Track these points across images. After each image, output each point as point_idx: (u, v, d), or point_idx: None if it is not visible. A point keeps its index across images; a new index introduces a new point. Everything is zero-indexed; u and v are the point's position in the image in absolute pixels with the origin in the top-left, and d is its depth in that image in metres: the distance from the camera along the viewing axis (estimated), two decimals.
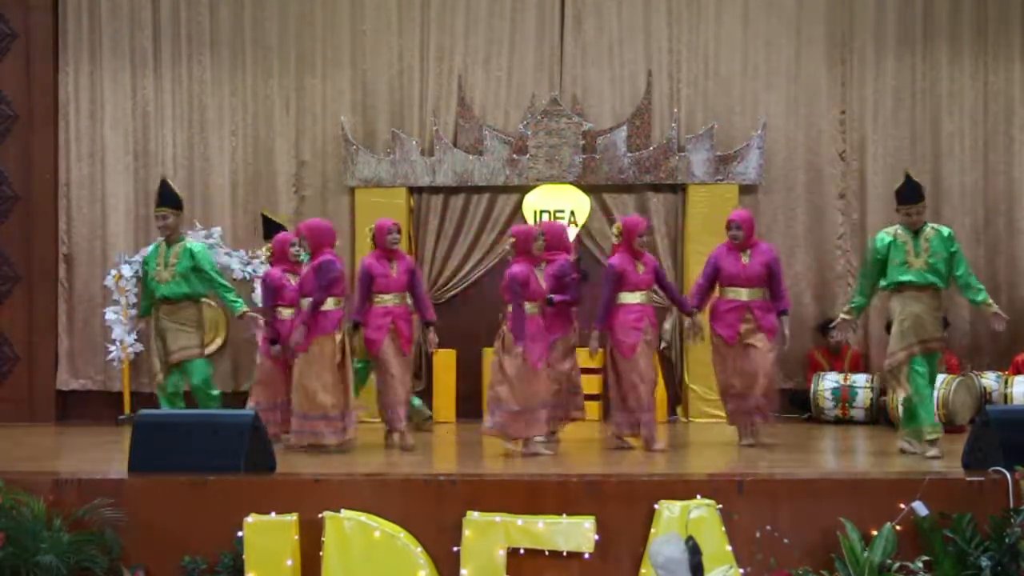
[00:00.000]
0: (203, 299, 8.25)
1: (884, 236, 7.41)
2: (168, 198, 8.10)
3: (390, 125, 10.49)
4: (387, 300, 7.73)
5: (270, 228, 9.04)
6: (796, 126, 10.51)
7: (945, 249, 7.23)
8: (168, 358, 7.87)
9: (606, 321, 7.70)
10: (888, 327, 7.48)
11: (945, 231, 7.33)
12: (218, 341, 10.15)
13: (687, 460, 7.40)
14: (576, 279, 8.16)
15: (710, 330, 7.95)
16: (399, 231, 7.84)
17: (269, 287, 8.07)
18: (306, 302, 7.46)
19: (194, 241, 8.16)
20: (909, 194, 7.36)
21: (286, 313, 7.96)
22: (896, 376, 7.31)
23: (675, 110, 10.44)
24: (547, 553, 5.75)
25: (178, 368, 7.94)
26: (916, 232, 7.29)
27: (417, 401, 8.94)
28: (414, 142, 10.39)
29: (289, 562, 5.74)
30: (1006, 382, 9.02)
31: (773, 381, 7.90)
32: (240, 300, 8.20)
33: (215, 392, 8.07)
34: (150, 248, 8.17)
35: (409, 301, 7.87)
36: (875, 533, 5.67)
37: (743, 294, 7.82)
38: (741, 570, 5.65)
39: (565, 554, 5.75)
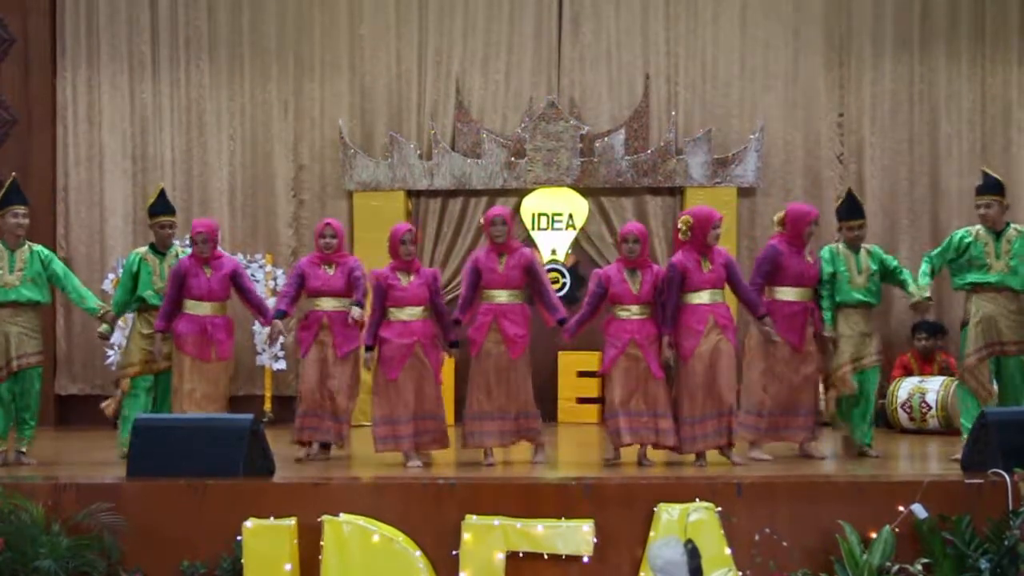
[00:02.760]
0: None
1: (964, 234, 7.32)
2: (165, 206, 8.01)
3: (388, 129, 10.50)
4: (494, 297, 7.26)
5: (165, 206, 8.08)
6: (794, 129, 10.51)
7: None
8: (12, 363, 7.33)
9: (673, 324, 7.18)
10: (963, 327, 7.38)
11: None
12: None
13: (685, 463, 7.40)
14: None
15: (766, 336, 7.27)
16: (504, 223, 7.33)
17: (380, 287, 7.33)
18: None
19: (37, 245, 7.68)
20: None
21: (399, 315, 7.29)
22: (975, 378, 7.20)
23: (673, 113, 10.46)
24: (546, 556, 5.76)
25: (15, 374, 7.39)
26: (999, 233, 7.22)
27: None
28: (412, 146, 10.41)
29: (288, 566, 5.75)
30: None
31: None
32: (94, 298, 7.84)
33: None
34: None
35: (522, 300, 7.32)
36: (874, 536, 5.68)
37: (806, 295, 7.32)
38: (740, 573, 5.66)
39: (564, 557, 5.77)
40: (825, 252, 7.46)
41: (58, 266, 7.66)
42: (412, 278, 7.32)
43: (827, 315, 7.35)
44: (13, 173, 8.24)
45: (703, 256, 7.12)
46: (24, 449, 7.43)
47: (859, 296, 7.36)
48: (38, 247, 7.66)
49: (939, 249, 7.47)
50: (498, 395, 7.20)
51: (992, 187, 7.32)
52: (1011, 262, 7.15)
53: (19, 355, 7.38)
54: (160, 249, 7.89)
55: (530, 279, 7.32)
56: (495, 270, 7.26)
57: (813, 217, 7.38)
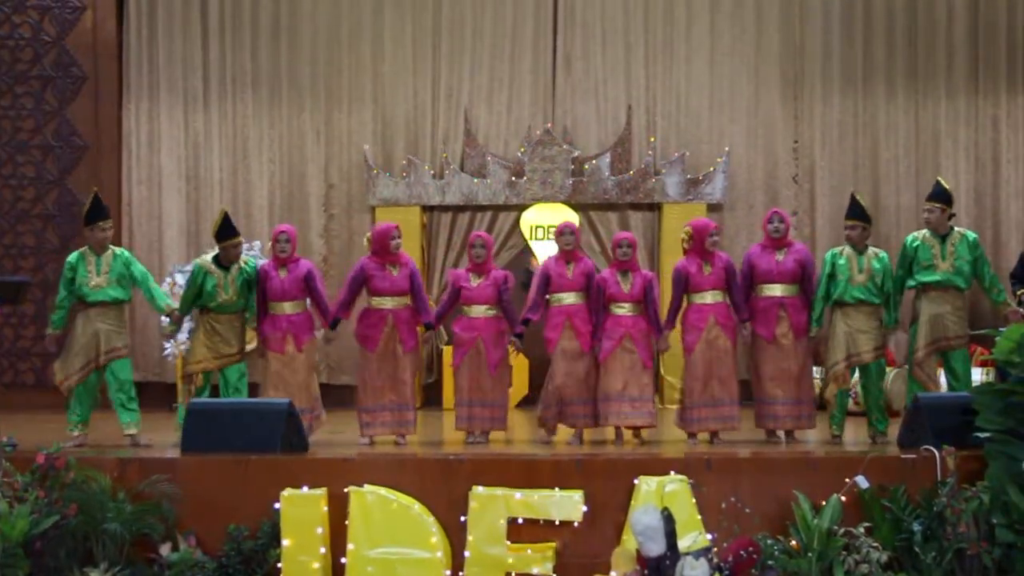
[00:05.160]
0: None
1: (912, 239, 7.12)
2: (234, 229, 7.42)
3: (406, 152, 10.50)
4: (564, 300, 7.13)
5: (234, 229, 7.53)
6: (756, 153, 10.51)
7: (970, 253, 6.99)
8: (101, 357, 7.21)
9: (672, 323, 7.18)
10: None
11: (971, 236, 7.07)
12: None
13: (663, 441, 7.40)
14: None
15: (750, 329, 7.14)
16: (572, 233, 7.21)
17: (454, 287, 7.25)
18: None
19: (119, 248, 7.57)
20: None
21: (468, 311, 7.16)
22: (924, 371, 7.03)
23: (651, 139, 10.46)
24: (542, 522, 5.76)
25: (103, 367, 7.28)
26: (944, 237, 7.01)
27: None
28: (426, 167, 10.41)
29: (319, 529, 5.76)
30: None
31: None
32: (165, 298, 7.60)
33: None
34: (74, 256, 7.39)
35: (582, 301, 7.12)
36: (824, 503, 5.68)
37: (778, 290, 7.07)
38: (709, 536, 5.66)
39: (558, 523, 5.77)
40: (828, 254, 7.22)
41: (137, 269, 7.44)
42: (481, 280, 7.16)
43: (815, 316, 7.05)
44: (95, 188, 8.05)
45: (704, 261, 7.09)
46: (133, 432, 7.22)
47: (857, 294, 6.98)
48: (120, 250, 7.52)
49: (898, 263, 7.18)
50: (578, 384, 7.08)
51: (937, 195, 7.17)
52: (956, 263, 6.96)
53: (107, 350, 7.25)
54: (225, 263, 7.33)
55: (587, 283, 7.17)
56: (564, 276, 7.13)
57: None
